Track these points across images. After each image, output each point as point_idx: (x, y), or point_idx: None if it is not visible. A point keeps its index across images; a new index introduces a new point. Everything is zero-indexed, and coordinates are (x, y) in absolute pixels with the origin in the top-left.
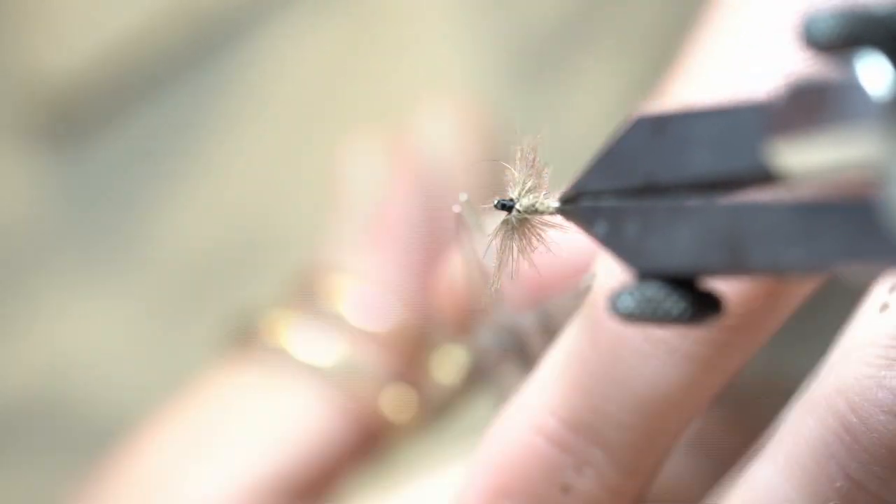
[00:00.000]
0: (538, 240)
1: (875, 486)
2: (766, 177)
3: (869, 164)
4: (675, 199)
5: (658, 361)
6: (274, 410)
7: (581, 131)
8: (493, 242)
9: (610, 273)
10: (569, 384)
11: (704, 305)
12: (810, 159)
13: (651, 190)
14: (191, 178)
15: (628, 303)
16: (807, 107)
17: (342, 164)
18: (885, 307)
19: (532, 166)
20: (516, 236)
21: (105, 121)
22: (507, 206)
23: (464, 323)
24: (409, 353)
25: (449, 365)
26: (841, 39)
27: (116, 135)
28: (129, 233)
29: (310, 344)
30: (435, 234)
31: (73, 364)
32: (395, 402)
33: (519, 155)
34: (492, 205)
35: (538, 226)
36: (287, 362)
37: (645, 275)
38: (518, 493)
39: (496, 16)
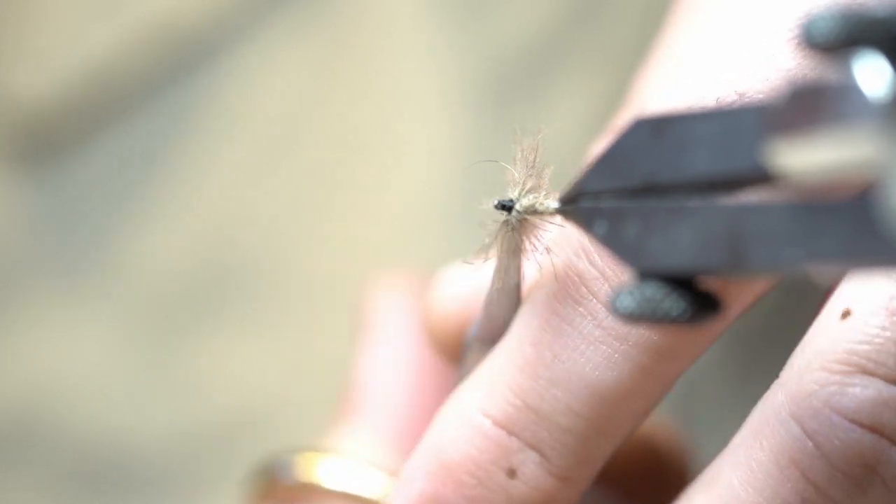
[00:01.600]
0: (538, 240)
1: (838, 493)
2: (766, 177)
3: (868, 164)
4: (675, 200)
5: (608, 348)
6: None
7: (557, 144)
8: (493, 242)
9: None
10: (518, 368)
11: (704, 305)
12: (810, 159)
13: (651, 190)
14: (165, 198)
15: (628, 302)
16: (806, 107)
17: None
18: (846, 314)
19: (532, 166)
20: (516, 236)
21: (79, 142)
22: (507, 207)
23: (452, 352)
24: None
25: None
26: (840, 40)
27: (91, 156)
28: (104, 254)
29: (345, 477)
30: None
31: (50, 386)
32: None
33: (519, 155)
34: (492, 205)
35: (538, 226)
36: (326, 498)
37: (645, 275)
38: (463, 474)
39: (473, 32)
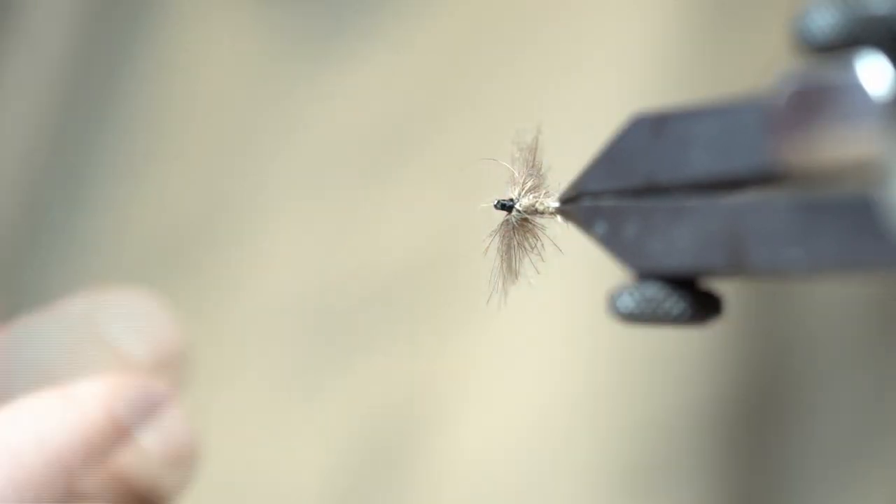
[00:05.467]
0: (538, 239)
1: None
2: (766, 177)
3: (869, 164)
4: (675, 200)
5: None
6: None
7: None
8: (494, 242)
9: None
10: None
11: (704, 305)
12: (810, 159)
13: (651, 190)
14: (161, 155)
15: (628, 303)
16: (807, 107)
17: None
18: None
19: (532, 166)
20: (516, 236)
21: None
22: (507, 206)
23: None
24: None
25: None
26: (841, 39)
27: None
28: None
29: None
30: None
31: None
32: None
33: (519, 155)
34: (492, 205)
35: (538, 226)
36: None
37: (645, 275)
38: None
39: None
